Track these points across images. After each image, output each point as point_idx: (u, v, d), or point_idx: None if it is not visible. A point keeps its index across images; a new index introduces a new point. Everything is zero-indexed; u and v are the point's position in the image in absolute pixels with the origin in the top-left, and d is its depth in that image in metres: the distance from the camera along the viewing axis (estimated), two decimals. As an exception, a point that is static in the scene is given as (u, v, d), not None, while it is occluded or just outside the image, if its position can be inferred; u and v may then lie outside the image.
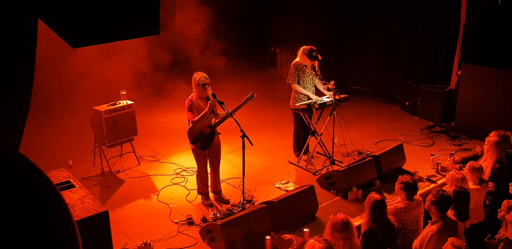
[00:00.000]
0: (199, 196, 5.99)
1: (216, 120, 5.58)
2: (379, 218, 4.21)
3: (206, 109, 5.37)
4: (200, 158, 5.67)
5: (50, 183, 1.20)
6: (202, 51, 10.61)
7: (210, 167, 5.87)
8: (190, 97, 5.51)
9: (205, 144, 5.57)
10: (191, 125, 5.49)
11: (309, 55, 6.38)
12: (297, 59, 6.57)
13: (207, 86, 5.42)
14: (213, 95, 5.36)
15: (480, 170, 5.07)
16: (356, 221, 5.10)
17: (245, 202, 5.63)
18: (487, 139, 5.52)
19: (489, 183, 5.27)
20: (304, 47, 6.49)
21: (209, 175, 5.93)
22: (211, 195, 6.01)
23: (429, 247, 4.08)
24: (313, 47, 6.41)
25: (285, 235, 5.00)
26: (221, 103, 5.32)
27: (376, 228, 4.16)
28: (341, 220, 3.88)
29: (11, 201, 1.03)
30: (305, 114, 6.66)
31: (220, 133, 5.72)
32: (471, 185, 4.94)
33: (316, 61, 6.55)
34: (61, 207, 1.18)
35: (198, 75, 5.43)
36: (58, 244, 1.10)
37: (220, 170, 6.00)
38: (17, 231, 1.01)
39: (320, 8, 10.30)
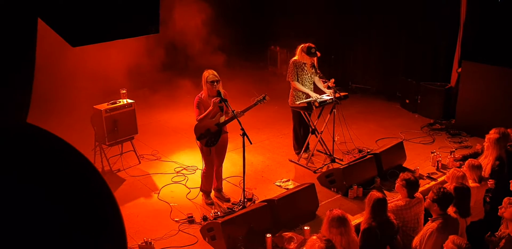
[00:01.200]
0: (200, 195, 6.00)
1: (226, 118, 5.57)
2: (379, 216, 4.21)
3: (210, 108, 5.38)
4: (206, 155, 5.67)
5: (87, 160, 1.07)
6: (201, 49, 10.60)
7: (213, 164, 5.87)
8: (199, 94, 5.52)
9: (210, 141, 5.57)
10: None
11: (308, 52, 6.38)
12: (296, 57, 6.57)
13: (216, 84, 5.40)
14: (218, 92, 5.37)
15: (479, 167, 5.07)
16: (357, 219, 5.11)
17: (245, 200, 5.64)
18: (487, 136, 5.52)
19: (490, 180, 5.28)
20: (302, 45, 6.50)
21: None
22: (212, 193, 6.01)
23: (429, 244, 4.09)
24: (311, 44, 6.42)
25: (286, 233, 5.01)
26: (224, 100, 5.33)
27: (376, 226, 4.16)
28: (337, 216, 3.89)
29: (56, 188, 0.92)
30: (305, 113, 6.65)
31: (227, 132, 5.71)
32: (470, 183, 4.94)
33: (316, 59, 6.55)
34: (108, 193, 1.06)
35: (207, 73, 5.42)
36: (107, 238, 0.99)
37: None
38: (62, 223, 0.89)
39: (321, 6, 10.28)
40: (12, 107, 1.49)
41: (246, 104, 5.54)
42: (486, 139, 5.53)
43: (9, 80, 1.45)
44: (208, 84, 5.39)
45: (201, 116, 5.40)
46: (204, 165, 5.81)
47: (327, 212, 4.00)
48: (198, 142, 5.64)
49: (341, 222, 3.87)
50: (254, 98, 5.55)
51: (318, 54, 6.45)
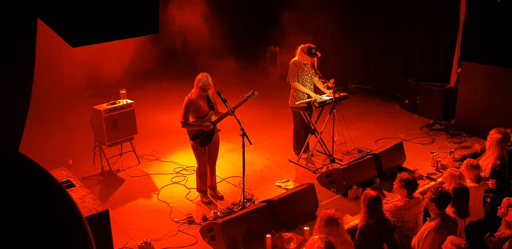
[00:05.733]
0: (200, 195, 6.00)
1: (216, 117, 5.59)
2: (375, 213, 4.24)
3: (197, 128, 5.49)
4: (200, 155, 5.69)
5: (58, 184, 1.16)
6: (201, 49, 10.60)
7: (206, 162, 5.88)
8: (189, 94, 5.53)
9: (204, 141, 5.60)
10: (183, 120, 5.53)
11: (308, 52, 6.39)
12: (296, 58, 6.57)
13: (207, 91, 5.46)
14: (218, 92, 5.39)
15: (477, 167, 5.06)
16: (357, 219, 5.11)
17: (245, 200, 5.64)
18: (489, 136, 5.52)
19: (491, 180, 5.27)
20: (302, 45, 6.50)
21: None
22: (209, 193, 6.02)
23: (426, 243, 4.09)
24: (311, 45, 6.43)
25: (285, 234, 5.01)
26: (224, 100, 5.34)
27: (373, 223, 4.18)
28: (328, 216, 3.90)
29: (19, 205, 0.99)
30: (305, 113, 6.66)
31: (220, 130, 5.74)
32: (468, 183, 4.94)
33: (316, 60, 6.55)
34: (72, 208, 1.13)
35: (203, 80, 5.40)
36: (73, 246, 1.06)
37: (220, 168, 6.01)
38: (29, 236, 0.96)
39: (320, 6, 10.29)
40: (12, 108, 1.48)
41: (239, 101, 5.59)
42: (488, 139, 5.53)
43: (9, 81, 1.45)
44: (200, 89, 5.43)
45: (185, 124, 5.48)
46: (198, 164, 5.83)
47: (323, 211, 4.03)
48: (191, 142, 5.66)
49: (330, 222, 3.88)
50: (243, 95, 5.59)
51: (319, 54, 6.46)
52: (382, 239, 4.26)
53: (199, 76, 5.46)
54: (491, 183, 5.25)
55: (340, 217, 3.98)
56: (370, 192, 4.32)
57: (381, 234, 4.21)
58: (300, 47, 6.51)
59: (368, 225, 4.19)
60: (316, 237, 3.57)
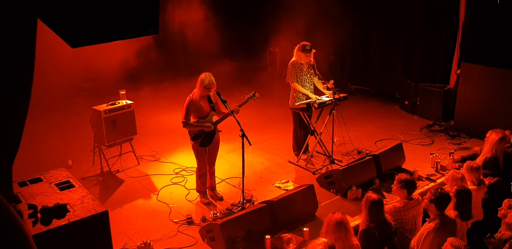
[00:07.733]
0: (199, 196, 6.00)
1: (217, 118, 5.60)
2: (377, 217, 4.21)
3: (198, 128, 5.50)
4: (200, 155, 5.69)
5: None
6: (201, 50, 10.60)
7: (206, 163, 5.88)
8: (191, 95, 5.52)
9: (205, 141, 5.60)
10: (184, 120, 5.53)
11: (303, 49, 6.41)
12: (293, 58, 6.58)
13: (211, 90, 5.48)
14: (218, 93, 5.40)
15: (477, 169, 5.06)
16: (356, 221, 5.11)
17: (244, 201, 5.64)
18: (486, 138, 5.54)
19: (487, 178, 5.27)
20: (297, 45, 6.52)
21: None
22: (209, 193, 6.02)
23: (425, 244, 4.08)
24: (305, 43, 6.45)
25: (285, 235, 5.00)
26: (224, 101, 5.34)
27: (374, 227, 4.16)
28: (335, 220, 3.82)
29: None
30: (305, 114, 6.66)
31: (221, 131, 5.74)
32: (469, 185, 4.94)
33: (313, 59, 6.55)
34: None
35: (207, 79, 5.41)
36: None
37: (219, 169, 5.99)
38: None
39: (320, 7, 10.29)
40: (12, 108, 1.48)
41: (240, 103, 5.59)
42: (485, 140, 5.55)
43: (8, 80, 1.45)
44: (204, 89, 5.42)
45: (187, 124, 5.48)
46: (197, 164, 5.83)
47: (329, 214, 3.96)
48: (192, 142, 5.66)
49: (338, 228, 3.79)
50: (244, 96, 5.60)
51: (314, 50, 6.46)
52: (383, 243, 4.24)
53: (202, 75, 5.46)
54: (488, 180, 5.25)
55: (348, 222, 3.90)
56: (371, 195, 4.26)
57: (382, 238, 4.18)
58: (295, 47, 6.53)
59: (369, 228, 4.15)
60: (321, 241, 3.48)
